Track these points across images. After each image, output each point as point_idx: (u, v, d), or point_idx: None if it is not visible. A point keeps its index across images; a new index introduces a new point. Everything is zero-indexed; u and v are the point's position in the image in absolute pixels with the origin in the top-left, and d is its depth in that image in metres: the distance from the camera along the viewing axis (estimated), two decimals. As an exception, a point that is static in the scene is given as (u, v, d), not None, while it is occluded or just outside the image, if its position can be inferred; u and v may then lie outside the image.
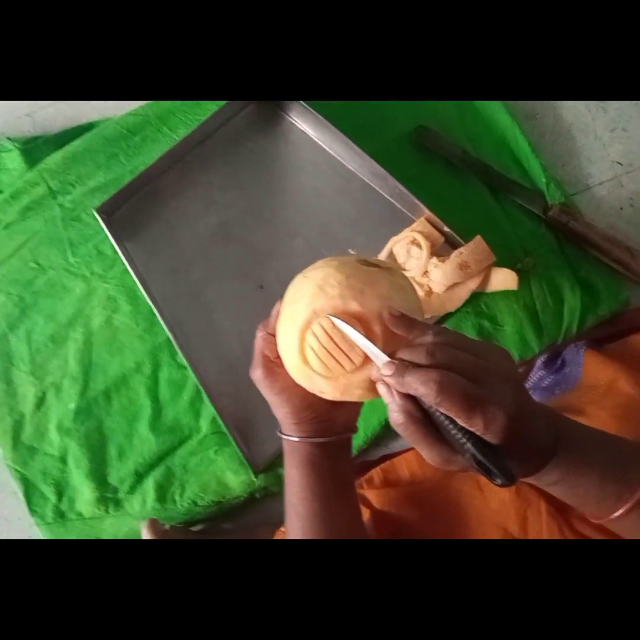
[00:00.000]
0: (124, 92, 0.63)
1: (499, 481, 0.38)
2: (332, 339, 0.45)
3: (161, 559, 0.43)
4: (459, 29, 0.57)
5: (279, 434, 0.54)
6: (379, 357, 0.42)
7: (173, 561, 0.42)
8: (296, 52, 0.59)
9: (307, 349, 0.46)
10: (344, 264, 0.48)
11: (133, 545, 0.54)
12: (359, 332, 0.44)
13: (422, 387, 0.38)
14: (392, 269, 0.49)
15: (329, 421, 0.53)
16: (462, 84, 0.61)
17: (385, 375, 0.40)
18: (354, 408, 0.56)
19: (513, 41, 0.57)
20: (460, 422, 0.38)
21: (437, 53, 0.58)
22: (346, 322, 0.44)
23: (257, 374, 0.52)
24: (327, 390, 0.47)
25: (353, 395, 0.47)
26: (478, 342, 0.42)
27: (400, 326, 0.43)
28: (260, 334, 0.53)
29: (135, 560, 0.42)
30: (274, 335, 0.51)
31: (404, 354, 0.41)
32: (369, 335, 0.44)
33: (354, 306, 0.45)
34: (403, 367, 0.39)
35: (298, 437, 0.52)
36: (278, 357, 0.51)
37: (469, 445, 0.39)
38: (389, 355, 0.42)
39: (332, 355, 0.45)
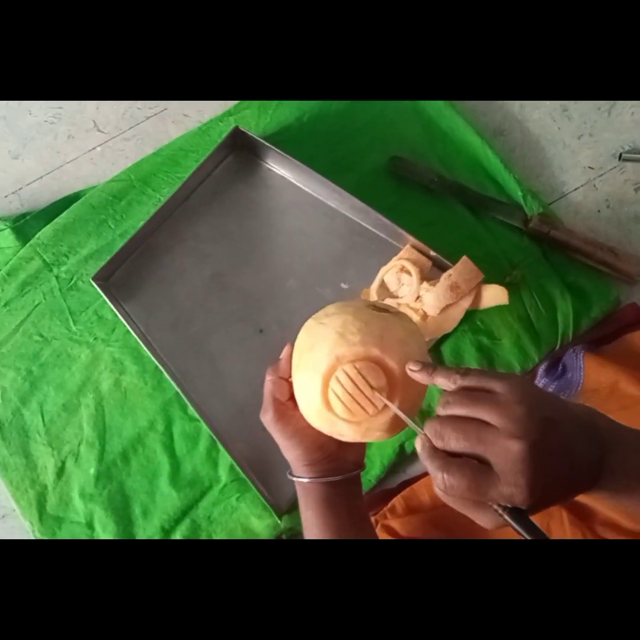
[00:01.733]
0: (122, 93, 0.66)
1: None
2: (356, 384, 0.47)
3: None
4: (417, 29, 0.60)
5: (290, 477, 0.55)
6: (415, 428, 0.44)
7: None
8: (279, 53, 0.62)
9: (331, 395, 0.48)
10: (359, 310, 0.51)
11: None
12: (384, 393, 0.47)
13: (437, 483, 0.38)
14: (400, 313, 0.53)
15: (339, 460, 0.54)
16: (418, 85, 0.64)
17: (418, 452, 0.41)
18: (362, 445, 0.57)
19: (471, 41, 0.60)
20: None
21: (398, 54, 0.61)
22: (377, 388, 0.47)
23: (268, 418, 0.54)
24: (348, 433, 0.49)
25: (373, 437, 0.49)
26: (490, 393, 0.40)
27: (423, 377, 0.45)
28: (269, 378, 0.54)
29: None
30: (284, 379, 0.53)
31: (429, 428, 0.40)
32: (390, 378, 0.47)
33: (375, 352, 0.48)
34: (427, 450, 0.40)
35: (309, 478, 0.53)
36: (289, 400, 0.52)
37: (504, 515, 0.38)
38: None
39: (356, 401, 0.47)
